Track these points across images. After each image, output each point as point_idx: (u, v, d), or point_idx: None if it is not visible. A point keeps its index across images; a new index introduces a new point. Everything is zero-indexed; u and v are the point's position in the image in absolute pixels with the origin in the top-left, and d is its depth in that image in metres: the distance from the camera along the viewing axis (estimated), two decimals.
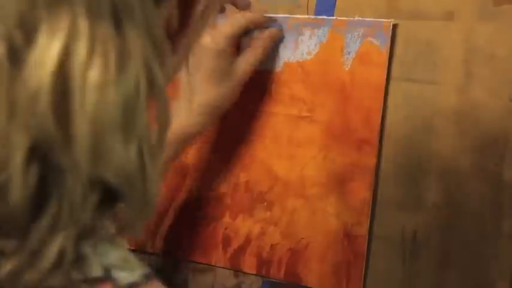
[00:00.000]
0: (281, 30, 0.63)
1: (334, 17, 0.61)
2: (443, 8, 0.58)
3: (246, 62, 0.60)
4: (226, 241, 0.65)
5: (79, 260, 0.26)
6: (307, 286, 0.62)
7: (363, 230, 0.59)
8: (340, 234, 0.60)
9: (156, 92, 0.26)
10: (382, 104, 0.59)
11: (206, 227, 0.66)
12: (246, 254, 0.64)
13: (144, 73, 0.25)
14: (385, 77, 0.59)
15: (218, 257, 0.66)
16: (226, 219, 0.65)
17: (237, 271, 0.65)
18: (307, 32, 0.62)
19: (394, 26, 0.59)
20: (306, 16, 0.63)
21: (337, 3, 0.62)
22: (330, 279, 0.60)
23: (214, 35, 0.58)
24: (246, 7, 0.61)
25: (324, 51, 0.61)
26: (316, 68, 0.61)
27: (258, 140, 0.64)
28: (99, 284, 0.26)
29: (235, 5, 0.61)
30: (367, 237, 0.59)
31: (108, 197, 0.26)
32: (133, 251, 0.70)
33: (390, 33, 0.58)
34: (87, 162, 0.24)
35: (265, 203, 0.64)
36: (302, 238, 0.62)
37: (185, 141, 0.60)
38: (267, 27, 0.62)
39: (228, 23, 0.59)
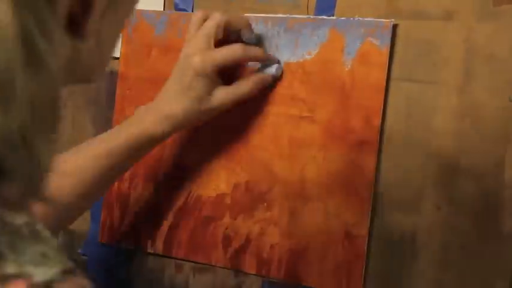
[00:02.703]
0: (274, 76, 0.62)
1: (334, 17, 0.61)
2: (443, 8, 0.58)
3: (227, 94, 0.60)
4: (227, 241, 0.65)
5: None
6: (307, 286, 0.62)
7: (363, 230, 0.59)
8: (340, 234, 0.60)
9: (39, 65, 0.25)
10: (382, 104, 0.59)
11: (206, 227, 0.66)
12: (246, 254, 0.64)
13: (21, 44, 0.25)
14: (385, 77, 0.59)
15: (218, 257, 0.66)
16: (227, 219, 0.65)
17: (237, 271, 0.65)
18: (307, 32, 0.62)
19: (394, 26, 0.59)
20: (306, 16, 0.63)
21: (337, 3, 0.62)
22: (330, 279, 0.60)
23: (204, 57, 0.58)
24: (250, 41, 0.62)
25: (324, 51, 0.61)
26: (316, 68, 0.61)
27: (258, 140, 0.64)
28: (12, 281, 0.24)
29: (242, 35, 0.61)
30: (367, 238, 0.59)
31: None
32: (133, 251, 0.70)
33: (390, 33, 0.58)
34: None
35: (266, 203, 0.64)
36: (302, 238, 0.62)
37: (146, 146, 0.60)
38: (266, 65, 0.62)
39: (223, 51, 0.59)
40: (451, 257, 0.57)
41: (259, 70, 0.63)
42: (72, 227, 0.75)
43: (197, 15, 0.60)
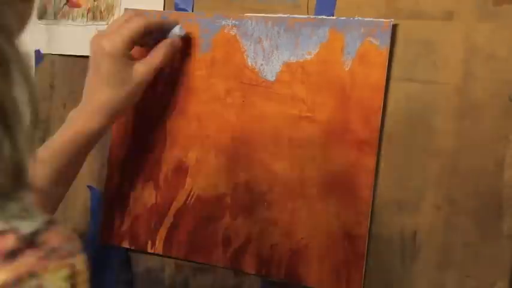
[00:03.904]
0: (180, 38, 0.65)
1: (334, 17, 0.61)
2: (443, 8, 0.58)
3: (145, 67, 0.61)
4: (227, 241, 0.65)
5: None
6: (307, 286, 0.62)
7: (363, 230, 0.59)
8: (340, 234, 0.60)
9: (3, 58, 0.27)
10: (382, 104, 0.59)
11: (206, 227, 0.66)
12: (246, 254, 0.64)
13: None
14: (385, 77, 0.59)
15: (218, 257, 0.66)
16: (227, 219, 0.65)
17: (237, 271, 0.65)
18: (307, 32, 0.62)
19: (394, 26, 0.59)
20: (306, 16, 0.63)
21: (337, 3, 0.62)
22: (330, 279, 0.60)
23: (112, 38, 0.59)
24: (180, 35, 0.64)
25: (324, 51, 0.61)
26: (316, 68, 0.61)
27: (258, 140, 0.64)
28: (0, 236, 0.27)
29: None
30: (367, 237, 0.59)
31: None
32: (133, 251, 0.70)
33: (390, 33, 0.58)
34: None
35: (265, 203, 0.64)
36: (302, 238, 0.62)
37: (87, 141, 0.60)
38: (167, 30, 0.64)
39: (126, 27, 0.60)
40: (451, 257, 0.57)
41: (166, 36, 0.64)
42: (72, 226, 0.75)
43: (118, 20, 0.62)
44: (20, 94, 0.28)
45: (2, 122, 0.27)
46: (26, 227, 0.28)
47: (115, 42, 0.59)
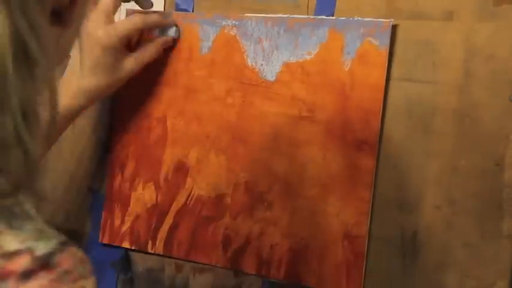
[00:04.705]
0: (176, 38, 0.67)
1: (334, 17, 0.61)
2: (443, 8, 0.58)
3: (135, 62, 0.64)
4: (227, 241, 0.65)
5: None
6: (307, 286, 0.62)
7: (363, 230, 0.59)
8: (340, 234, 0.60)
9: (32, 62, 0.27)
10: (382, 104, 0.59)
11: (206, 227, 0.66)
12: (246, 254, 0.64)
13: (12, 43, 0.26)
14: (385, 77, 0.59)
15: (218, 257, 0.66)
16: (227, 219, 0.65)
17: (237, 271, 0.65)
18: (307, 32, 0.62)
19: (394, 26, 0.59)
20: (306, 16, 0.63)
21: (337, 3, 0.62)
22: (330, 279, 0.60)
23: (108, 31, 0.61)
24: (148, 7, 0.65)
25: (323, 51, 0.61)
26: (316, 68, 0.61)
27: (258, 140, 0.64)
28: (16, 256, 0.27)
29: (138, 4, 0.65)
30: (367, 238, 0.59)
31: None
32: (134, 251, 0.70)
33: (389, 33, 0.58)
34: None
35: (265, 203, 0.64)
36: (302, 238, 0.62)
37: (64, 119, 0.61)
38: (164, 29, 0.66)
39: (124, 23, 0.62)
40: (451, 257, 0.57)
41: (160, 34, 0.67)
42: (72, 227, 0.75)
43: None
44: (42, 97, 0.28)
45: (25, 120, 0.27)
46: (41, 248, 0.28)
47: (111, 37, 0.61)
